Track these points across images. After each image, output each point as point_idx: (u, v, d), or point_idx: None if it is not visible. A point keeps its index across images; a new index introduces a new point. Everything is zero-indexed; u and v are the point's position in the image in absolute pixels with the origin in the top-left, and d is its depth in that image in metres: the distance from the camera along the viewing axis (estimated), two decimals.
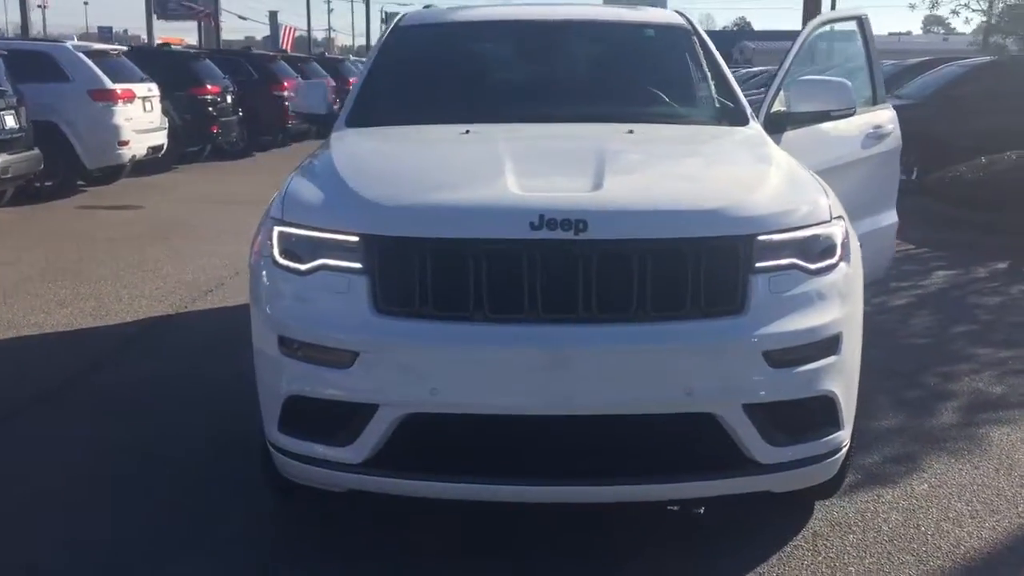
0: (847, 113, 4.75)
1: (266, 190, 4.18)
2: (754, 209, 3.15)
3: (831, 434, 3.19)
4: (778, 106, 4.72)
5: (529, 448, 3.06)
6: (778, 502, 3.50)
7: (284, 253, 3.24)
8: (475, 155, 3.76)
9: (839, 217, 3.30)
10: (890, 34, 63.25)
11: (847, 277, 3.23)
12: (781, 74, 4.91)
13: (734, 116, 4.50)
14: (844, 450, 3.29)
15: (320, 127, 4.86)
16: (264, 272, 3.32)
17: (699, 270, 3.02)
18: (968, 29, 40.15)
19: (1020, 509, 3.75)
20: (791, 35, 6.59)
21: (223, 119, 16.65)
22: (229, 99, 16.96)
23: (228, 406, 4.67)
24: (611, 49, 5.09)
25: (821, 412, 3.17)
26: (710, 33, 5.58)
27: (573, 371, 2.98)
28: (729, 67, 4.91)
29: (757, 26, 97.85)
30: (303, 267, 3.17)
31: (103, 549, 3.44)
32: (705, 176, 3.62)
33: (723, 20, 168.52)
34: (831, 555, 3.39)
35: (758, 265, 3.06)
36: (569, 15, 5.16)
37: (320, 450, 3.17)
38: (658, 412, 3.02)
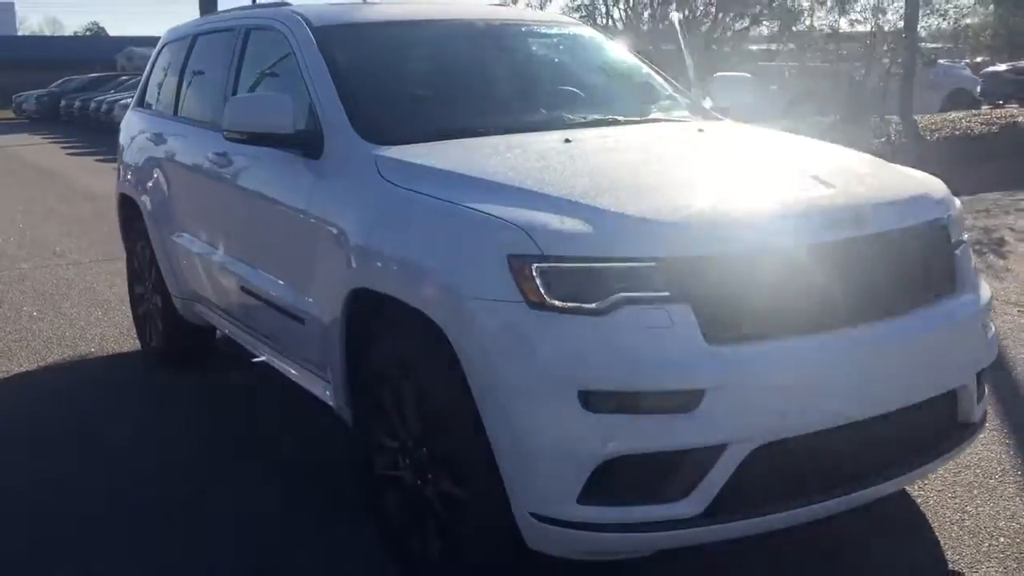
0: None
1: None
2: (939, 193, 3.44)
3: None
4: None
5: (845, 455, 2.96)
6: None
7: (556, 293, 2.73)
8: (660, 164, 3.44)
9: None
10: None
11: None
12: None
13: (701, 111, 4.63)
14: None
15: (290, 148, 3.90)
16: (522, 320, 2.75)
17: (937, 251, 3.23)
18: None
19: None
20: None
21: None
22: None
23: None
24: (555, 53, 4.88)
25: None
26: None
27: (899, 367, 2.99)
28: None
29: (112, 32, 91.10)
30: (595, 305, 2.70)
31: None
32: (870, 167, 3.64)
33: (74, 24, 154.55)
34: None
35: (953, 241, 3.33)
36: (487, 15, 4.80)
37: (644, 511, 2.74)
38: (943, 392, 3.12)
